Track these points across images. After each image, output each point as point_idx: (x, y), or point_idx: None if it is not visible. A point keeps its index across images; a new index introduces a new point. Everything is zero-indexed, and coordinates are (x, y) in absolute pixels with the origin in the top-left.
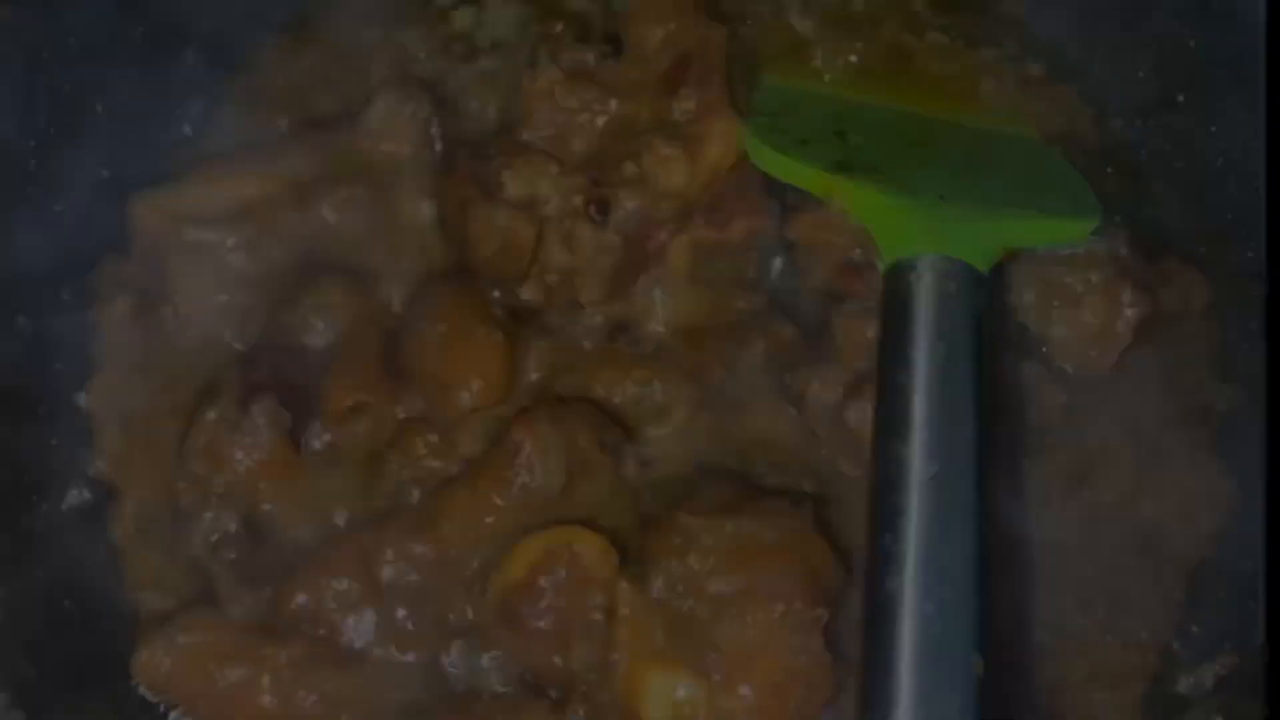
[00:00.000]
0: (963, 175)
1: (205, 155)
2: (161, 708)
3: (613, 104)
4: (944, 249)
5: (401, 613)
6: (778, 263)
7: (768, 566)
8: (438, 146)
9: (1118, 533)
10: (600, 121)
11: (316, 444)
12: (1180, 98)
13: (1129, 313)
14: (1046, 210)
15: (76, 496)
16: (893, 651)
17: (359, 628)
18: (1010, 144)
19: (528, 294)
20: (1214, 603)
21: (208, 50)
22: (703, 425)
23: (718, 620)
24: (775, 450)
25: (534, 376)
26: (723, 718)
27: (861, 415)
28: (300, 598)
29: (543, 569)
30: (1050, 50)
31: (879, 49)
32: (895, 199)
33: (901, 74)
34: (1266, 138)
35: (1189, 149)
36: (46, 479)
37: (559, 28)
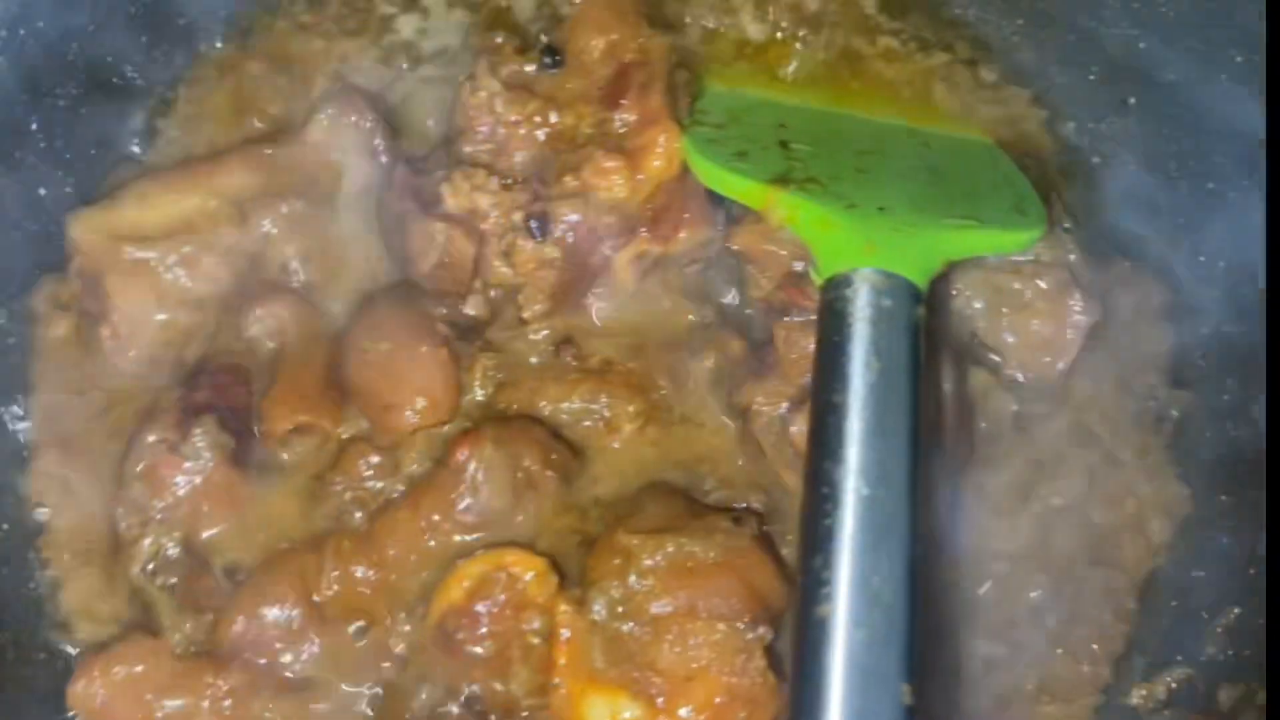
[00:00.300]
0: (906, 184)
1: (145, 171)
2: None
3: (553, 116)
4: (880, 263)
5: (343, 638)
6: (724, 274)
7: (708, 586)
8: (382, 159)
9: (1069, 542)
10: (541, 134)
11: (258, 466)
12: (1131, 100)
13: (1079, 319)
14: (988, 221)
15: (10, 522)
16: (821, 678)
17: (300, 654)
18: (960, 149)
19: (471, 309)
20: (1167, 613)
21: (148, 64)
22: (649, 441)
23: (659, 642)
24: (722, 466)
25: (479, 394)
26: None
27: (805, 429)
28: (240, 624)
29: (481, 593)
30: (1002, 54)
31: (830, 53)
32: (830, 212)
33: (853, 79)
34: (1267, 135)
35: (1140, 152)
36: None
37: (499, 39)
